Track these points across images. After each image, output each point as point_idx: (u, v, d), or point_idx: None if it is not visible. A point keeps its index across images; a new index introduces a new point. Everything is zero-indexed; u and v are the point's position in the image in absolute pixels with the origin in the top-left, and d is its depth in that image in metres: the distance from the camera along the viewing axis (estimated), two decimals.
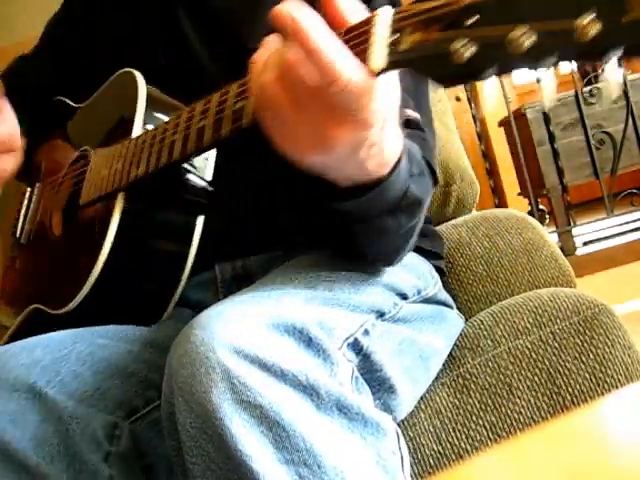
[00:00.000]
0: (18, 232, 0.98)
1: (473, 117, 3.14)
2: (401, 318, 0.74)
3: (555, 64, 0.42)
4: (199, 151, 0.68)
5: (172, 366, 0.60)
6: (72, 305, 0.76)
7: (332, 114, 0.50)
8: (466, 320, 0.90)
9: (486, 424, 0.78)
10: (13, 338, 0.87)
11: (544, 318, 0.82)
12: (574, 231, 2.85)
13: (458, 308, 0.91)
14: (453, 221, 1.16)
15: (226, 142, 0.64)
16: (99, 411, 0.68)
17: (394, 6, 0.50)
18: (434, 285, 0.85)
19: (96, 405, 0.68)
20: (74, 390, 0.68)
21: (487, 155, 3.25)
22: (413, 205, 0.66)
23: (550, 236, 1.10)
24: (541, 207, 3.07)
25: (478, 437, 0.78)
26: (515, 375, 0.80)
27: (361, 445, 0.59)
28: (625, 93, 2.83)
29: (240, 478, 0.55)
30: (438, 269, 0.90)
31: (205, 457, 0.57)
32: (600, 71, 2.98)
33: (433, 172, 0.76)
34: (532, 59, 0.42)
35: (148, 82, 0.84)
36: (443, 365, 0.82)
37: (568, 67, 3.30)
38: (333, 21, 0.51)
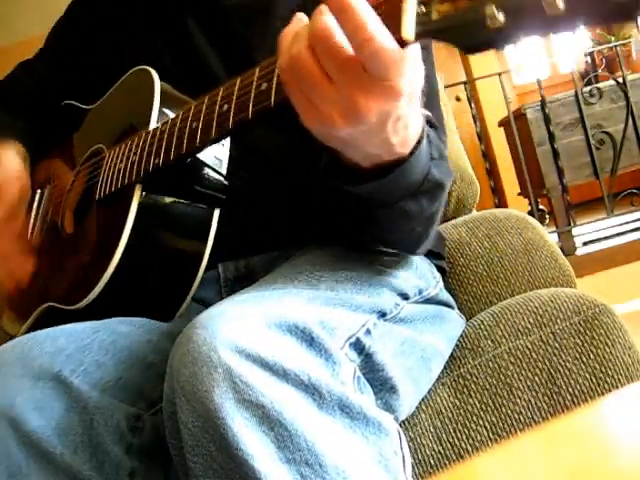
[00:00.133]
0: (29, 234, 0.98)
1: (473, 117, 3.14)
2: (403, 318, 0.74)
3: (589, 24, 0.43)
4: (221, 136, 0.68)
5: (174, 366, 0.60)
6: (89, 299, 0.76)
7: (362, 83, 0.50)
8: (466, 320, 0.90)
9: (487, 424, 0.78)
10: None
11: (544, 318, 0.82)
12: (574, 231, 2.85)
13: (458, 308, 0.91)
14: (453, 221, 1.16)
15: (250, 125, 0.63)
16: (121, 402, 0.68)
17: None
18: (435, 285, 0.85)
19: (118, 396, 0.68)
20: (97, 380, 0.68)
21: (487, 155, 3.26)
22: (435, 188, 0.66)
23: (550, 236, 1.10)
24: (541, 207, 3.07)
25: (479, 437, 0.78)
26: (515, 375, 0.80)
27: (363, 445, 0.59)
28: (625, 93, 2.83)
29: (242, 477, 0.55)
30: (440, 269, 0.90)
31: (207, 456, 0.57)
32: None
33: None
34: (568, 19, 0.42)
35: None
36: (444, 365, 0.82)
37: (568, 67, 3.30)
38: None
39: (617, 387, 0.78)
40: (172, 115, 0.79)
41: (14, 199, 0.91)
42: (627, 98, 2.80)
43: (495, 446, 0.78)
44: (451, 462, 0.78)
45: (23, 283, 0.92)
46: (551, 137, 2.79)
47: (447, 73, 2.19)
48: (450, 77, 3.87)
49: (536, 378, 0.79)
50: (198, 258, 0.79)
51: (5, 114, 1.04)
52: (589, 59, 3.44)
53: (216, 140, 0.69)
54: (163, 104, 0.80)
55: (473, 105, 3.12)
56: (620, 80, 2.85)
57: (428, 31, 0.48)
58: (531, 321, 0.83)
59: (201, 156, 0.76)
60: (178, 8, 0.90)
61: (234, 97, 0.64)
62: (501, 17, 0.44)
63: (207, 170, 0.77)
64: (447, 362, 0.83)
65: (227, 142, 0.79)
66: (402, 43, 0.49)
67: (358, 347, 0.65)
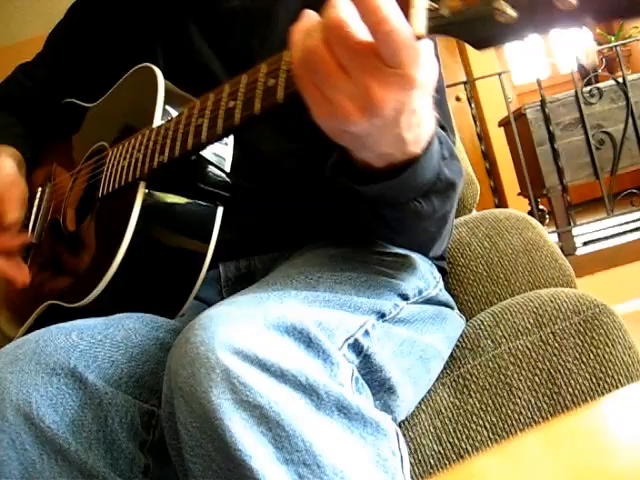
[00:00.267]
0: (29, 233, 0.97)
1: (473, 117, 3.14)
2: (402, 319, 0.74)
3: (601, 20, 0.43)
4: (228, 132, 0.68)
5: (172, 366, 0.60)
6: (91, 297, 0.76)
7: (377, 72, 0.50)
8: (466, 320, 0.90)
9: (487, 424, 0.78)
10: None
11: (544, 318, 0.82)
12: (574, 231, 2.85)
13: (458, 308, 0.91)
14: None
15: (257, 121, 0.63)
16: (135, 399, 0.67)
17: None
18: (435, 285, 0.84)
19: (132, 392, 0.68)
20: (111, 376, 0.68)
21: (487, 155, 3.26)
22: (447, 188, 0.66)
23: (550, 236, 1.10)
24: (541, 207, 3.07)
25: (479, 437, 0.78)
26: (515, 375, 0.80)
27: (361, 445, 0.59)
28: (625, 93, 2.83)
29: (240, 478, 0.55)
30: (440, 269, 0.90)
31: (205, 457, 0.57)
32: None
33: None
34: (580, 15, 0.43)
35: None
36: (444, 365, 0.82)
37: (568, 67, 3.30)
38: None
39: (617, 387, 0.78)
40: (175, 112, 0.79)
41: (10, 206, 0.91)
42: (627, 98, 2.80)
43: (495, 446, 0.78)
44: (451, 462, 0.78)
45: (21, 285, 0.91)
46: (551, 137, 2.79)
47: (447, 73, 2.19)
48: (450, 77, 3.87)
49: (536, 378, 0.79)
50: (201, 256, 0.79)
51: (1, 117, 1.04)
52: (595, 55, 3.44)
53: (222, 136, 0.69)
54: (166, 101, 0.80)
55: (473, 105, 3.12)
56: (620, 80, 2.85)
57: (439, 26, 0.49)
58: (531, 321, 0.83)
59: (205, 154, 0.76)
60: (178, 11, 0.90)
61: (240, 93, 0.64)
62: (511, 12, 0.45)
63: (211, 168, 0.77)
64: (447, 362, 0.83)
65: (231, 141, 0.79)
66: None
67: (356, 348, 0.65)
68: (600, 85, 2.88)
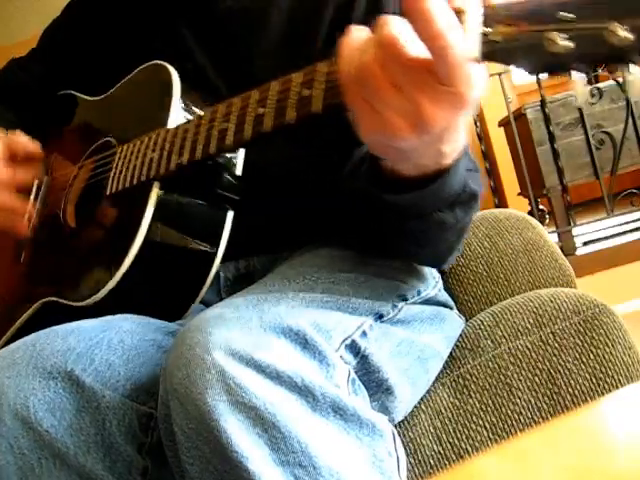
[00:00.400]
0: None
1: (473, 117, 3.14)
2: (400, 320, 0.74)
3: None
4: (257, 138, 0.67)
5: (167, 368, 0.60)
6: (99, 295, 0.75)
7: (430, 90, 0.50)
8: (466, 320, 0.90)
9: (486, 424, 0.78)
10: (20, 333, 0.83)
11: (544, 318, 0.82)
12: (574, 231, 2.85)
13: (458, 308, 0.91)
14: None
15: (287, 129, 0.64)
16: (133, 401, 0.67)
17: None
18: (434, 286, 0.84)
19: (129, 395, 0.67)
20: (108, 379, 0.67)
21: (487, 155, 3.25)
22: (469, 199, 0.66)
23: (550, 236, 1.10)
24: (541, 207, 3.07)
25: (479, 438, 0.78)
26: (515, 375, 0.80)
27: (357, 446, 0.59)
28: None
29: (236, 479, 0.55)
30: (439, 269, 0.90)
31: (202, 458, 0.57)
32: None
33: None
34: (629, 53, 0.44)
35: None
36: (443, 366, 0.82)
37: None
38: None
39: (617, 387, 0.78)
40: (189, 114, 0.79)
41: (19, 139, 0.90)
42: (627, 98, 2.80)
43: (495, 446, 0.78)
44: (451, 462, 0.77)
45: (15, 278, 0.90)
46: (551, 137, 2.78)
47: None
48: None
49: (536, 378, 0.79)
50: (210, 259, 0.78)
51: None
52: None
53: (249, 143, 0.68)
54: (181, 102, 0.80)
55: None
56: (620, 80, 2.85)
57: (491, 51, 0.49)
58: (531, 321, 0.83)
59: (220, 157, 0.76)
60: (172, 12, 0.90)
61: (271, 101, 0.64)
62: (564, 43, 0.46)
63: (224, 171, 0.77)
64: (447, 362, 0.83)
65: None
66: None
67: (354, 349, 0.65)
68: (600, 85, 2.88)
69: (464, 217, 0.68)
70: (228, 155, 0.77)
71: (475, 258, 1.05)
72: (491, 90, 3.62)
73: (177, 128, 0.75)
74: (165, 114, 0.79)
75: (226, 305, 0.65)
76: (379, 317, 0.71)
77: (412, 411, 0.79)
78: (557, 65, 0.47)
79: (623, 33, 0.43)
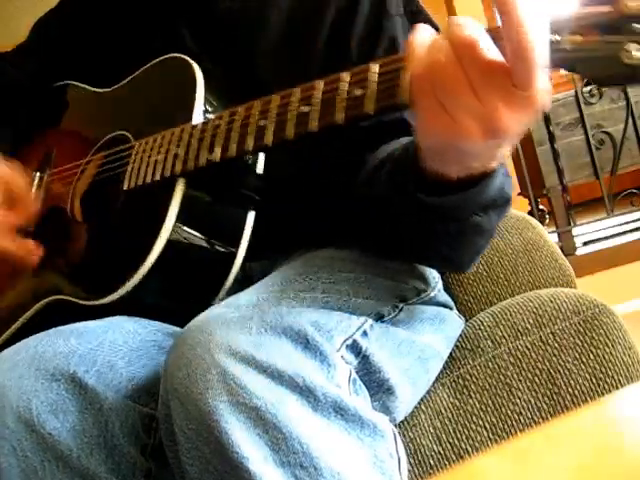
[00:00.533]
0: (20, 217, 0.89)
1: None
2: (400, 320, 0.74)
3: None
4: (300, 137, 0.65)
5: (168, 368, 0.60)
6: (118, 294, 0.73)
7: (506, 94, 0.50)
8: (466, 320, 0.90)
9: (486, 425, 0.78)
10: (23, 331, 0.82)
11: (544, 318, 0.82)
12: (574, 231, 2.85)
13: (458, 308, 0.91)
14: None
15: (338, 130, 0.63)
16: (135, 403, 0.67)
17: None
18: (434, 286, 0.84)
19: (132, 396, 0.67)
20: (110, 380, 0.67)
21: None
22: (504, 204, 0.66)
23: (550, 236, 1.10)
24: (541, 207, 3.07)
25: (479, 438, 0.78)
26: (515, 376, 0.80)
27: (358, 447, 0.59)
28: (625, 93, 2.83)
29: None
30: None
31: (202, 459, 0.57)
32: None
33: None
34: None
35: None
36: (443, 366, 0.82)
37: None
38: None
39: (617, 387, 0.78)
40: (216, 105, 0.77)
41: (20, 179, 0.87)
42: (627, 98, 2.80)
43: (495, 446, 0.78)
44: (451, 463, 0.77)
45: (31, 267, 0.87)
46: (551, 137, 2.78)
47: None
48: None
49: (536, 378, 0.79)
50: (231, 259, 0.76)
51: None
52: None
53: (291, 141, 0.66)
54: (206, 97, 0.77)
55: None
56: None
57: (560, 58, 0.50)
58: (531, 321, 0.83)
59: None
60: (171, 12, 0.89)
61: (316, 99, 0.63)
62: (636, 56, 0.46)
63: (248, 170, 0.75)
64: (447, 362, 0.83)
65: None
66: None
67: (355, 349, 0.65)
68: None
69: (497, 221, 0.67)
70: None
71: None
72: None
73: (205, 124, 0.73)
74: (189, 110, 0.76)
75: (227, 305, 0.65)
76: (379, 317, 0.71)
77: (412, 411, 0.79)
78: (632, 77, 0.47)
79: None
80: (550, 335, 0.81)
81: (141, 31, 0.91)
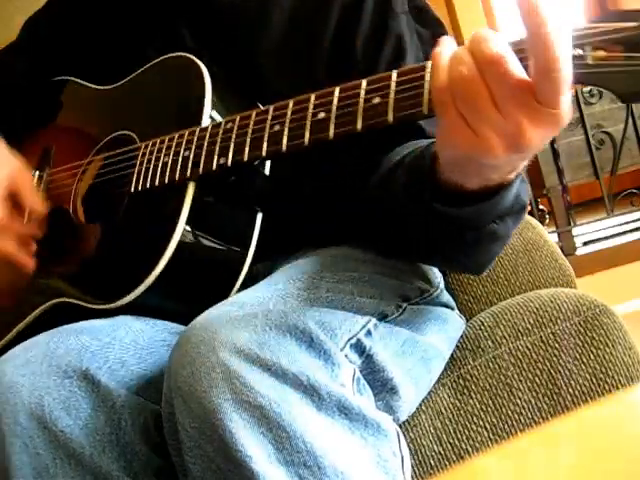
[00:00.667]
0: (25, 219, 0.88)
1: None
2: (404, 320, 0.74)
3: None
4: (315, 144, 0.65)
5: (172, 366, 0.60)
6: (129, 298, 0.72)
7: (531, 112, 0.50)
8: (467, 320, 0.90)
9: (487, 425, 0.78)
10: (26, 333, 0.80)
11: (545, 319, 0.82)
12: (574, 231, 2.84)
13: (458, 308, 0.91)
14: None
15: (355, 138, 0.62)
16: (146, 400, 0.67)
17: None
18: (437, 286, 0.84)
19: (143, 394, 0.67)
20: (122, 378, 0.67)
21: None
22: (520, 211, 0.66)
23: (550, 236, 1.10)
24: (541, 207, 3.06)
25: (479, 438, 0.78)
26: (516, 376, 0.80)
27: (361, 446, 0.59)
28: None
29: (240, 478, 0.55)
30: (441, 269, 0.90)
31: (205, 457, 0.57)
32: None
33: None
34: None
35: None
36: (444, 366, 0.82)
37: None
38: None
39: (617, 388, 0.78)
40: (225, 107, 0.76)
41: (28, 188, 0.86)
42: None
43: (495, 447, 0.78)
44: (451, 463, 0.78)
45: (28, 273, 0.86)
46: None
47: None
48: None
49: (536, 379, 0.79)
50: (241, 261, 0.76)
51: None
52: None
53: (307, 148, 0.65)
54: (214, 99, 0.77)
55: None
56: None
57: (583, 73, 0.50)
58: (531, 321, 0.83)
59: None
60: (170, 10, 0.89)
61: (334, 106, 0.63)
62: None
63: (256, 172, 0.75)
64: (447, 363, 0.83)
65: None
66: None
67: (359, 348, 0.65)
68: None
69: (513, 227, 0.67)
70: None
71: None
72: None
73: (217, 127, 0.72)
74: (198, 111, 0.76)
75: (231, 303, 0.65)
76: (383, 317, 0.71)
77: (413, 411, 0.79)
78: None
79: None
80: (550, 335, 0.81)
81: (140, 30, 0.91)
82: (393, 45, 0.81)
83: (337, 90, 0.63)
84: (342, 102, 0.63)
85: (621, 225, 2.91)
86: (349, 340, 0.64)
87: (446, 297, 0.87)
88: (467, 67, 0.51)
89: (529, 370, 0.80)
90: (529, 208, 2.94)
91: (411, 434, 0.78)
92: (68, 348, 0.67)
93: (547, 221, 3.04)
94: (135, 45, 0.90)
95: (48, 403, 0.63)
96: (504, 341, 0.82)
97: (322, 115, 0.64)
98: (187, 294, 0.77)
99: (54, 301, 0.82)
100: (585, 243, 2.84)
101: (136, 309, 0.74)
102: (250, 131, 0.69)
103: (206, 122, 0.75)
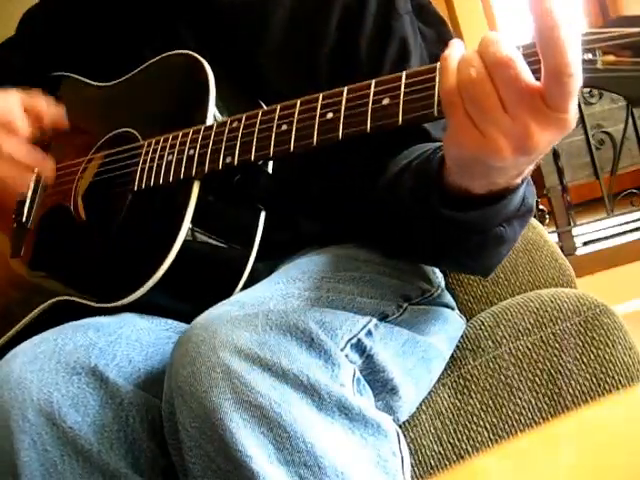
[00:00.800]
0: (24, 217, 0.88)
1: None
2: (404, 320, 0.74)
3: None
4: (323, 144, 0.64)
5: (172, 366, 0.60)
6: (132, 297, 0.72)
7: (539, 115, 0.50)
8: (467, 320, 0.90)
9: (487, 425, 0.78)
10: (27, 330, 0.80)
11: (545, 319, 0.82)
12: (574, 231, 2.85)
13: (459, 308, 0.91)
14: None
15: (364, 139, 0.62)
16: (154, 397, 0.67)
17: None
18: (438, 286, 0.84)
19: (150, 391, 0.67)
20: (129, 374, 0.67)
21: None
22: (526, 214, 0.66)
23: (550, 236, 1.10)
24: (541, 207, 3.06)
25: (479, 438, 0.78)
26: (516, 376, 0.80)
27: (361, 446, 0.59)
28: None
29: (240, 478, 0.55)
30: (442, 269, 0.90)
31: (205, 457, 0.57)
32: None
33: None
34: None
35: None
36: (444, 366, 0.82)
37: None
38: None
39: (618, 388, 0.78)
40: (229, 106, 0.76)
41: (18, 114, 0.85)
42: None
43: (496, 447, 0.78)
44: (451, 463, 0.78)
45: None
46: None
47: None
48: None
49: (537, 379, 0.79)
50: (244, 261, 0.76)
51: None
52: None
53: (316, 148, 0.65)
54: (219, 97, 0.76)
55: None
56: None
57: (593, 77, 0.50)
58: (531, 322, 0.83)
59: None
60: (169, 11, 0.89)
61: (343, 107, 0.63)
62: None
63: (260, 171, 0.75)
64: (448, 363, 0.83)
65: None
66: None
67: (359, 348, 0.65)
68: None
69: (519, 231, 0.67)
70: None
71: None
72: None
73: (222, 126, 0.72)
74: (202, 110, 0.75)
75: (232, 303, 0.65)
76: (384, 317, 0.71)
77: (413, 412, 0.79)
78: None
79: None
80: (551, 335, 0.81)
81: (138, 30, 0.90)
82: (397, 47, 0.81)
83: (345, 90, 0.63)
84: (351, 103, 0.62)
85: (621, 225, 2.91)
86: (349, 340, 0.64)
87: (447, 297, 0.87)
88: (476, 69, 0.51)
89: (529, 370, 0.80)
90: None
91: (411, 434, 0.78)
92: (76, 344, 0.67)
93: (547, 221, 3.04)
94: (132, 45, 0.89)
95: (57, 399, 0.63)
96: (504, 341, 0.82)
97: (330, 115, 0.63)
98: (190, 293, 0.77)
99: (54, 299, 0.81)
100: (585, 243, 2.84)
101: (139, 307, 0.74)
102: (257, 130, 0.69)
103: (210, 121, 0.75)
